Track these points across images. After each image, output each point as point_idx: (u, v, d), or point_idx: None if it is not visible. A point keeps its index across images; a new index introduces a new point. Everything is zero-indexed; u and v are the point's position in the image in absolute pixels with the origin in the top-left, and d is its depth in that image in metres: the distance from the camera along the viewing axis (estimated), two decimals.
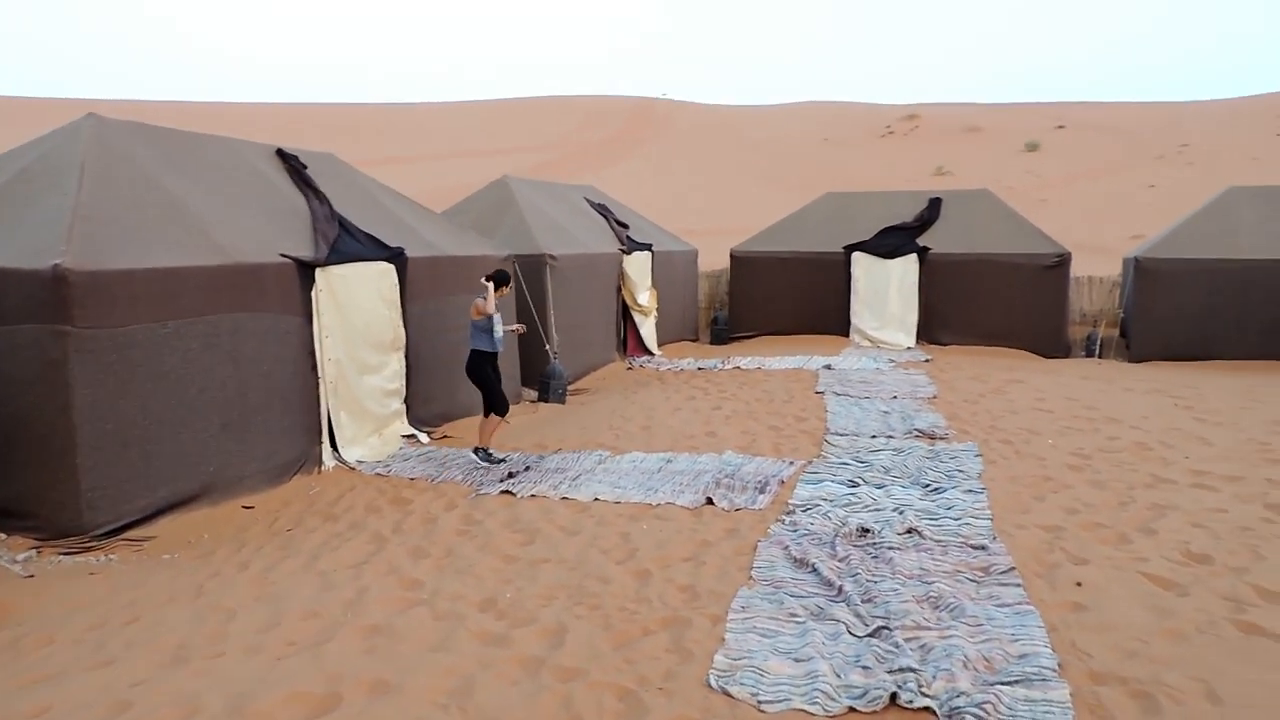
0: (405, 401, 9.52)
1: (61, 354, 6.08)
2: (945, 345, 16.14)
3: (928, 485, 7.26)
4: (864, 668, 4.18)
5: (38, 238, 6.36)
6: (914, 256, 16.43)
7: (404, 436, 9.36)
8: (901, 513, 6.51)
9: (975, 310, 16.08)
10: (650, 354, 15.94)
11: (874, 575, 5.34)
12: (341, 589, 5.26)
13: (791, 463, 8.10)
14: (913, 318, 16.44)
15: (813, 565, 5.49)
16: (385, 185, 11.22)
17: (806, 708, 3.88)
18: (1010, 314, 15.86)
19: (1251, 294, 14.25)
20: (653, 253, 16.55)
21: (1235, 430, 9.19)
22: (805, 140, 66.33)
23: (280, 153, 9.62)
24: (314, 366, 8.26)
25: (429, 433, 9.67)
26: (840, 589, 5.12)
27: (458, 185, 42.68)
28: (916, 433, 9.25)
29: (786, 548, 5.84)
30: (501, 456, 8.53)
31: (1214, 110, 66.33)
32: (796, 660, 4.29)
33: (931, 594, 5.00)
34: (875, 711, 3.85)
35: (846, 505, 6.78)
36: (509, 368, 10.72)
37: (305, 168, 9.56)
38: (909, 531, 6.11)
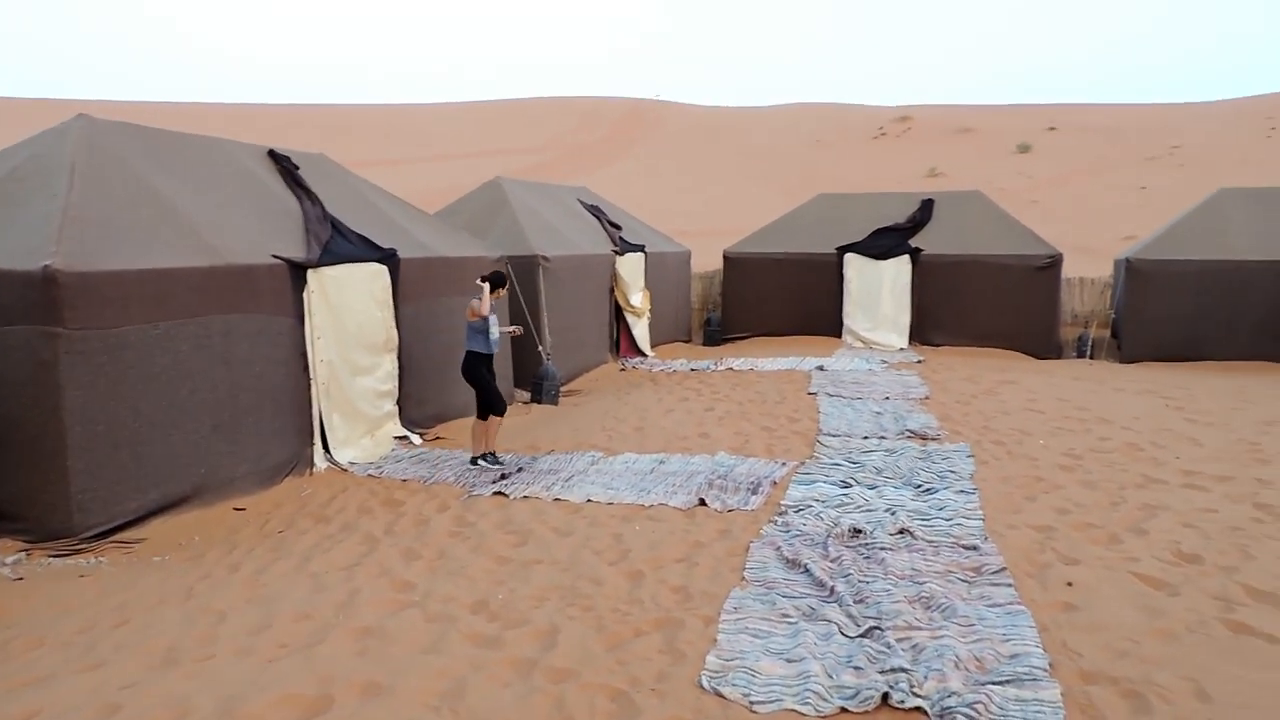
0: (398, 403, 9.50)
1: (52, 355, 6.06)
2: (938, 346, 16.20)
3: (920, 486, 7.27)
4: (856, 668, 4.18)
5: (28, 239, 6.34)
6: (906, 258, 16.49)
7: (396, 438, 9.34)
8: (894, 513, 6.52)
9: (967, 311, 16.14)
10: (643, 355, 15.94)
11: (866, 576, 5.35)
12: (333, 591, 5.25)
13: (784, 464, 8.11)
14: (905, 319, 16.49)
15: (805, 566, 5.50)
16: (378, 186, 11.21)
17: (798, 708, 3.89)
18: (1002, 315, 15.93)
19: (1242, 295, 14.32)
20: (646, 254, 16.56)
21: (1226, 431, 9.24)
22: (798, 141, 66.38)
23: (272, 153, 9.60)
24: (306, 368, 8.24)
25: (421, 434, 9.66)
26: (832, 589, 5.13)
27: (450, 186, 42.64)
28: (909, 433, 9.27)
29: (779, 548, 5.85)
30: (504, 459, 8.52)
31: (1205, 112, 66.59)
32: (789, 661, 4.30)
33: (923, 594, 5.02)
34: (867, 712, 3.86)
35: (839, 506, 6.79)
36: (503, 368, 10.71)
37: (297, 168, 9.54)
38: (901, 532, 6.12)
